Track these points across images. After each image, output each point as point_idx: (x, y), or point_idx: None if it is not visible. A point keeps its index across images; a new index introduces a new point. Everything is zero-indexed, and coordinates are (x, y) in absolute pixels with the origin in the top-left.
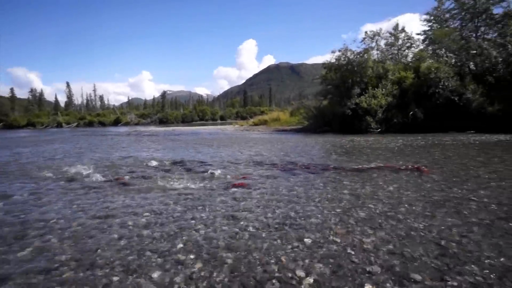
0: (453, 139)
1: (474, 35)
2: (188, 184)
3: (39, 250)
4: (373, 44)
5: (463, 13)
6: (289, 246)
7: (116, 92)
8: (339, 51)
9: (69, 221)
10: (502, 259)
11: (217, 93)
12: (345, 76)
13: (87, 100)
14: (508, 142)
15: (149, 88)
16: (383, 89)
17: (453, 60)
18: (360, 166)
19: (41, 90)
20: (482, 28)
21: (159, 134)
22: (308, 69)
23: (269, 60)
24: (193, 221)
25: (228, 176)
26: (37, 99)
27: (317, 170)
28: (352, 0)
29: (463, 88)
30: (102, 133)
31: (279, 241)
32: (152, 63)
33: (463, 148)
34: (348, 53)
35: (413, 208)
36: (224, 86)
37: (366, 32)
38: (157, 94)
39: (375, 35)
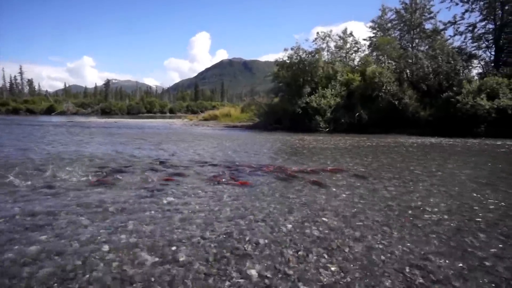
0: (394, 141)
1: (410, 45)
2: (113, 192)
3: None
4: (324, 45)
5: (401, 25)
6: (230, 284)
7: (51, 77)
8: (292, 49)
9: None
10: None
11: (167, 85)
12: (296, 75)
13: (11, 84)
14: (439, 145)
15: (91, 76)
16: (332, 90)
17: (394, 67)
18: (311, 169)
19: None
20: (417, 40)
21: (98, 126)
22: (260, 66)
23: (222, 55)
24: (105, 247)
25: (156, 180)
26: None
27: (266, 173)
28: (304, 3)
29: (402, 93)
30: (29, 123)
31: (217, 276)
32: (96, 49)
33: (405, 151)
34: (300, 52)
35: (370, 222)
36: (175, 78)
37: (318, 33)
38: (100, 82)
39: (326, 36)
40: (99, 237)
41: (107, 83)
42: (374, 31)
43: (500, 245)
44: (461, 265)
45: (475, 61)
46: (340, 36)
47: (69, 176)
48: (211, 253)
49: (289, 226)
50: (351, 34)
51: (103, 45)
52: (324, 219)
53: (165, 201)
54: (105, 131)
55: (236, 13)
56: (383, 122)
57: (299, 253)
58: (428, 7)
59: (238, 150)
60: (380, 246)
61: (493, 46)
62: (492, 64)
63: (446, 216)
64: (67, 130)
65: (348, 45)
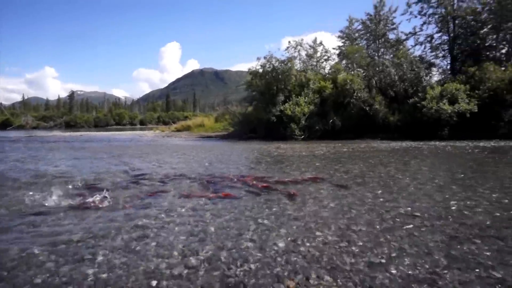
0: (368, 146)
1: (376, 54)
2: (77, 215)
3: None
4: (296, 54)
5: (367, 35)
6: None
7: (7, 89)
8: (265, 58)
9: None
10: None
11: (137, 96)
12: (270, 83)
13: None
14: (410, 149)
15: (54, 87)
16: (306, 97)
17: (363, 74)
18: (293, 178)
19: None
20: (382, 49)
21: (60, 140)
22: (232, 75)
23: (193, 65)
24: (78, 276)
25: (128, 199)
26: None
27: (247, 185)
28: (273, 13)
29: (372, 99)
30: None
31: None
32: (58, 58)
33: (380, 156)
34: (273, 60)
35: (365, 233)
36: (145, 89)
37: (289, 42)
38: (64, 94)
39: (298, 45)
40: (59, 276)
41: (72, 94)
42: (343, 41)
43: (502, 252)
44: (470, 277)
45: (434, 69)
46: (310, 45)
47: (22, 199)
48: (197, 286)
49: (281, 244)
50: (321, 43)
51: (67, 55)
52: (317, 233)
53: (139, 223)
54: (68, 146)
55: (207, 23)
56: (355, 128)
57: (297, 276)
58: (391, 18)
59: (215, 162)
60: (382, 261)
61: (449, 55)
62: (449, 72)
63: (438, 222)
64: (25, 145)
65: (318, 54)
